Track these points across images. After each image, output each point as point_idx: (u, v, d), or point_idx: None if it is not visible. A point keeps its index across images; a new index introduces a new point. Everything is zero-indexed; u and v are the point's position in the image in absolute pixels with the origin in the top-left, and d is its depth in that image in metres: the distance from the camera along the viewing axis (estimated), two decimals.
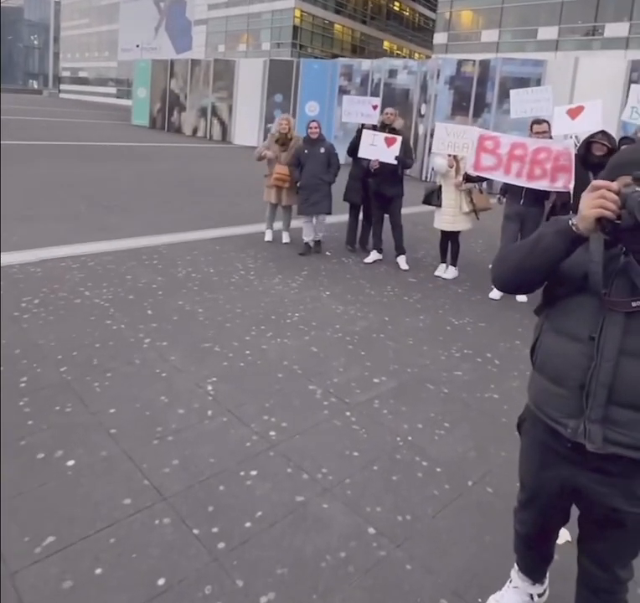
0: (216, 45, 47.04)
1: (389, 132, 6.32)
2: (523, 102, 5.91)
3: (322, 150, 6.60)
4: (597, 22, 28.06)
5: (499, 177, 5.40)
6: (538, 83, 12.08)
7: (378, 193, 6.49)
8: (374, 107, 6.63)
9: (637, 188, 1.33)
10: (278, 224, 7.16)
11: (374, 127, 6.62)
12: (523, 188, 5.31)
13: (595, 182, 1.35)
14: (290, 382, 3.59)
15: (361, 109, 6.77)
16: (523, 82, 12.53)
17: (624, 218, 1.32)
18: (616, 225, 1.34)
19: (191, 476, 2.62)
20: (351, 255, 6.81)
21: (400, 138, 6.14)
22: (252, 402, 3.30)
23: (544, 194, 5.39)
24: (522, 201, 5.45)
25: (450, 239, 6.29)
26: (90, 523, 2.27)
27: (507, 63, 13.69)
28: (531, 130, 5.46)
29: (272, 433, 3.01)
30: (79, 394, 3.24)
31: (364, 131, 6.33)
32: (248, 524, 2.34)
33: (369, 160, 6.24)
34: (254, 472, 2.68)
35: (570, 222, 1.39)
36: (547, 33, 29.33)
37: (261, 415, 3.17)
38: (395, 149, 6.11)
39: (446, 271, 6.26)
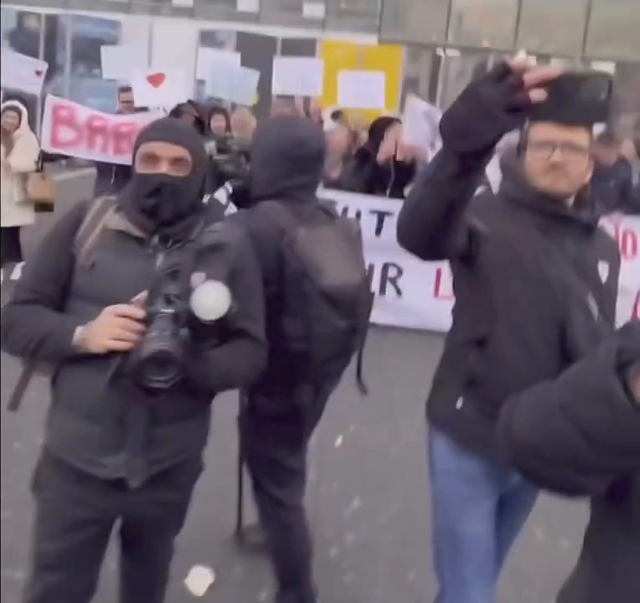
0: None
1: None
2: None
3: None
4: None
5: (83, 154, 4.86)
6: (113, 45, 11.40)
7: None
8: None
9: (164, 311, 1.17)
10: None
11: None
12: (114, 164, 4.79)
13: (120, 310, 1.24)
14: None
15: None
16: (97, 43, 11.70)
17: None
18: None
19: None
20: None
21: None
22: None
23: None
24: (112, 180, 4.90)
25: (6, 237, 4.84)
26: None
27: (80, 20, 12.49)
28: (119, 98, 5.04)
29: None
30: None
31: None
32: None
33: None
34: None
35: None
36: None
37: None
38: None
39: None
